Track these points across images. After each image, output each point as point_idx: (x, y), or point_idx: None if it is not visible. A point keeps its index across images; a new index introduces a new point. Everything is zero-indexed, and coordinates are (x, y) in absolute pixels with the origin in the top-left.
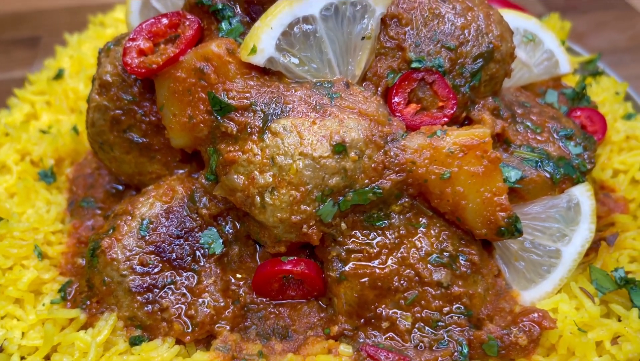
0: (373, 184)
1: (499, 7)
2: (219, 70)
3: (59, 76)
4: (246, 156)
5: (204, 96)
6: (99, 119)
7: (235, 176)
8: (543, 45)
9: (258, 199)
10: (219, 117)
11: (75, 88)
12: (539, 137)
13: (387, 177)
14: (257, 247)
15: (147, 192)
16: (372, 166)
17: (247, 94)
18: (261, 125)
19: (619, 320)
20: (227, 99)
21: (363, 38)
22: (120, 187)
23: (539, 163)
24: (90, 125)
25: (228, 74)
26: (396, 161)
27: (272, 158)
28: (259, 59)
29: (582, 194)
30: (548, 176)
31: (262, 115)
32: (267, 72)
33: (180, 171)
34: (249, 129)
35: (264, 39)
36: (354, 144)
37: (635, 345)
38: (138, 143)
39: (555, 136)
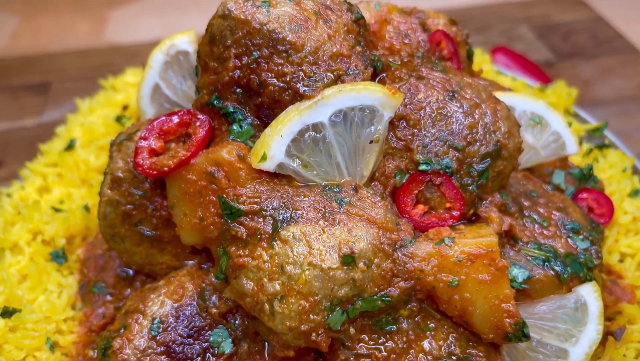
0: (382, 292)
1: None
2: (229, 175)
3: (70, 147)
4: (256, 262)
5: (214, 199)
6: (111, 213)
7: (245, 281)
8: (550, 127)
9: (267, 306)
10: (229, 221)
11: (87, 160)
12: (545, 232)
13: (396, 285)
14: (266, 344)
15: (158, 288)
16: (381, 274)
17: (257, 199)
18: (271, 231)
19: None
20: (237, 204)
21: (371, 142)
22: (131, 271)
23: (546, 262)
24: (102, 218)
25: (239, 179)
26: (404, 269)
27: (281, 267)
28: (269, 165)
29: (590, 294)
30: (555, 275)
31: (272, 221)
32: (276, 176)
33: (191, 263)
34: (258, 235)
35: (274, 147)
36: (363, 254)
37: None
38: (149, 236)
39: (562, 230)
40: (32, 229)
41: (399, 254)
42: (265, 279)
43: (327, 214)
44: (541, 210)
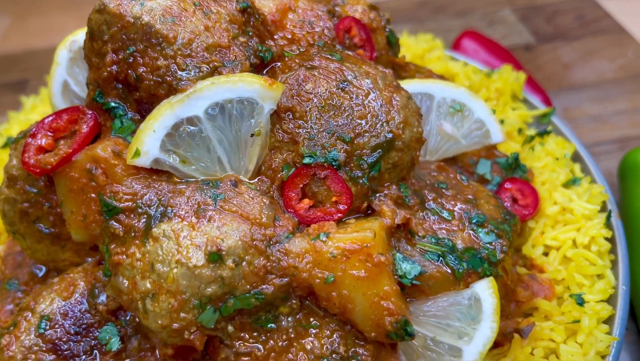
0: (255, 290)
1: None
2: (107, 172)
3: (6, 145)
4: (130, 260)
5: (95, 196)
6: (9, 211)
7: (121, 279)
8: (472, 115)
9: (140, 305)
10: (107, 219)
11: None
12: (447, 226)
13: (270, 282)
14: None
15: (51, 285)
16: (253, 271)
17: (134, 196)
18: (144, 228)
19: None
20: (114, 201)
21: (253, 135)
22: (45, 268)
23: (441, 257)
24: (3, 216)
25: (115, 176)
26: (278, 266)
27: (152, 265)
28: (143, 162)
29: (484, 291)
30: (449, 271)
31: (146, 217)
32: (156, 172)
33: (91, 260)
34: (132, 232)
35: (147, 142)
36: (232, 251)
37: None
38: (47, 233)
39: (466, 223)
40: None
41: (274, 250)
42: (138, 277)
43: (199, 210)
44: (446, 203)
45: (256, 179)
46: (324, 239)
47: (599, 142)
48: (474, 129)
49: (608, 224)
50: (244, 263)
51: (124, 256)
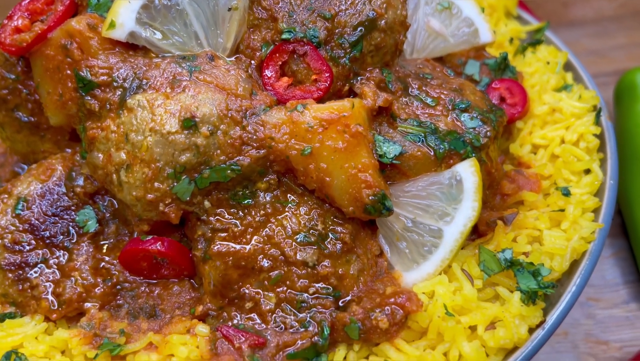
0: (230, 161)
1: None
2: (82, 46)
3: None
4: (104, 133)
5: (70, 73)
6: None
7: (96, 153)
8: (461, 14)
9: (115, 177)
10: (84, 95)
11: None
12: (430, 111)
13: (246, 154)
14: None
15: (30, 170)
16: (229, 142)
17: (109, 70)
18: (118, 101)
19: None
20: (89, 75)
21: (230, 9)
22: (26, 167)
23: (422, 138)
24: None
25: (90, 49)
26: (255, 137)
27: (126, 135)
28: (119, 34)
29: (465, 170)
30: (431, 151)
31: (121, 91)
32: (132, 47)
33: (68, 151)
34: (107, 105)
35: (122, 13)
36: (206, 119)
37: (509, 332)
38: (27, 122)
39: (449, 108)
40: None
41: (250, 121)
42: (112, 150)
43: (174, 81)
44: (430, 91)
45: (234, 57)
46: (301, 110)
47: (596, 75)
48: (463, 26)
49: (597, 122)
50: (219, 132)
51: (99, 130)
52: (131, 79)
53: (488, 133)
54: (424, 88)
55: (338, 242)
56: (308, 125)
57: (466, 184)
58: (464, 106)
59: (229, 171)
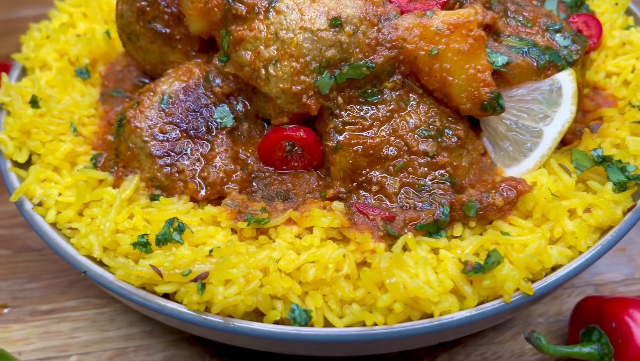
0: (367, 59)
1: None
2: None
3: None
4: (253, 33)
5: None
6: (127, 11)
7: (243, 52)
8: None
9: (263, 71)
10: (230, 1)
11: (109, 1)
12: (528, 30)
13: (380, 53)
14: (265, 125)
15: (168, 73)
16: (366, 42)
17: None
18: (267, 5)
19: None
20: None
21: None
22: (147, 80)
23: (525, 51)
24: (119, 16)
25: None
26: (388, 38)
27: (275, 33)
28: None
29: (564, 78)
30: (533, 62)
31: None
32: None
33: (199, 60)
34: (256, 9)
35: None
36: (350, 19)
37: (606, 212)
38: (161, 33)
39: (544, 29)
40: (59, 50)
41: (384, 24)
42: (261, 47)
43: None
44: (526, 14)
45: None
46: (430, 15)
47: None
48: None
49: None
50: (359, 32)
51: (248, 31)
52: None
53: (579, 52)
54: (520, 11)
55: (453, 137)
56: (436, 28)
57: (565, 90)
58: (556, 27)
59: (364, 69)
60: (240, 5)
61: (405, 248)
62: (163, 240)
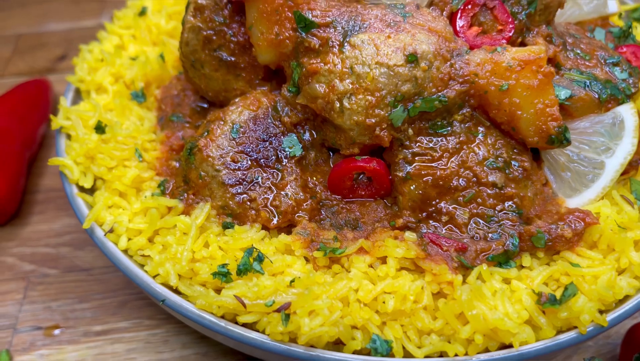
0: (439, 93)
1: None
2: None
3: (142, 13)
4: (327, 66)
5: (290, 15)
6: (193, 39)
7: (317, 85)
8: None
9: (337, 104)
10: (303, 34)
11: (158, 24)
12: (587, 63)
13: (452, 88)
14: (331, 154)
15: (236, 103)
16: (439, 76)
17: (329, 13)
18: (341, 39)
19: None
20: (311, 16)
21: None
22: (205, 105)
23: (587, 84)
24: (185, 44)
25: None
26: (460, 73)
27: (351, 68)
28: None
29: (627, 111)
30: (595, 95)
31: (342, 31)
32: None
33: (262, 88)
34: (330, 42)
35: None
36: (425, 55)
37: None
38: (226, 61)
39: (602, 62)
40: (114, 73)
41: (457, 60)
42: (336, 81)
43: (392, 24)
44: (583, 47)
45: (430, 8)
46: (501, 51)
47: None
48: None
49: None
50: (433, 67)
51: (322, 64)
52: (349, 21)
53: (637, 85)
54: (577, 44)
55: (519, 168)
56: (508, 64)
57: (627, 123)
58: (614, 60)
59: (436, 102)
60: (314, 38)
61: (478, 278)
62: (244, 270)
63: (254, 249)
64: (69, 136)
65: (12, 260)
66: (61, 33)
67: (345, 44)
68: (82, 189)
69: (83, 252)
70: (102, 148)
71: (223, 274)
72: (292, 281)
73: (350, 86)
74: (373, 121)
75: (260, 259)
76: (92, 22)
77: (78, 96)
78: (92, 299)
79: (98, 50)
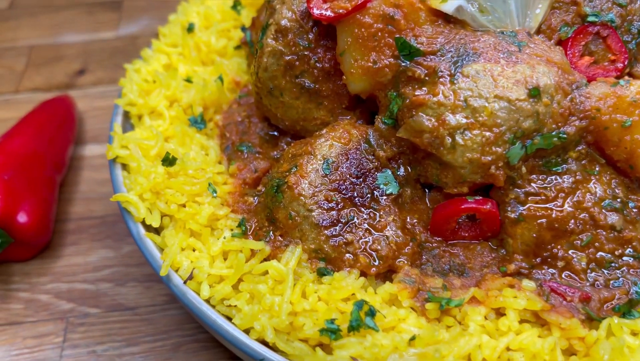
0: (559, 130)
1: None
2: (408, 16)
3: (190, 29)
4: (436, 98)
5: (390, 41)
6: (273, 64)
7: (423, 118)
8: None
9: (449, 139)
10: (407, 62)
11: (208, 42)
12: None
13: (572, 124)
14: (426, 190)
15: (323, 135)
16: (560, 111)
17: (436, 40)
18: (452, 69)
19: None
20: (416, 44)
21: None
22: (275, 133)
23: None
24: (263, 70)
25: (418, 20)
26: (581, 108)
27: (465, 100)
28: (448, 7)
29: None
30: None
31: (452, 60)
32: (450, 21)
33: (346, 118)
34: (439, 72)
35: None
36: (547, 89)
37: None
38: (308, 89)
39: None
40: (169, 97)
41: (576, 93)
42: (447, 114)
43: (506, 54)
44: None
45: (539, 36)
46: (625, 85)
47: None
48: None
49: None
50: (554, 102)
51: (430, 96)
52: (459, 49)
53: None
54: None
55: (636, 209)
56: (632, 99)
57: None
58: None
59: (555, 139)
60: (419, 67)
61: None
62: (356, 326)
63: (364, 303)
64: (123, 166)
65: (46, 298)
66: (77, 45)
67: (457, 74)
68: (147, 227)
69: (125, 288)
70: (171, 183)
71: (332, 331)
72: (412, 338)
73: (464, 120)
74: (489, 158)
75: (372, 313)
76: (110, 34)
77: (126, 121)
78: (141, 342)
79: (147, 71)
